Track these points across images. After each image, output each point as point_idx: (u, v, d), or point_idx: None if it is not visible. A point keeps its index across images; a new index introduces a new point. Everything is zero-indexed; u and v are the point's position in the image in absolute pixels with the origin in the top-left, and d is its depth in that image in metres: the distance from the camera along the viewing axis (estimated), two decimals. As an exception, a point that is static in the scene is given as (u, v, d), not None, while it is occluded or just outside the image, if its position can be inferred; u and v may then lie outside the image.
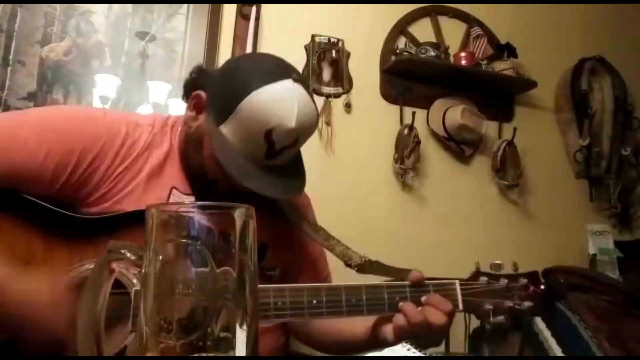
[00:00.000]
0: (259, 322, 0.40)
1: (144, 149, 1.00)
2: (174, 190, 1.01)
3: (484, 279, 0.93)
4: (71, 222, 0.90)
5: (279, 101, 0.92)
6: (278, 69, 0.96)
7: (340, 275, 1.17)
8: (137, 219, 0.76)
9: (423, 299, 0.88)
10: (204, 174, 1.00)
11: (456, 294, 0.90)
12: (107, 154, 0.96)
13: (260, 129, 0.91)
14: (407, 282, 0.90)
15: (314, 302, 0.85)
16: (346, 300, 0.87)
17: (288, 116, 0.92)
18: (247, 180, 0.93)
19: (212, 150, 0.95)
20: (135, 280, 0.70)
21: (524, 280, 0.93)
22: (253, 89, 0.92)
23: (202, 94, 1.00)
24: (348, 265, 1.05)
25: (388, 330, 0.89)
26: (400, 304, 0.87)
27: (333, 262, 1.14)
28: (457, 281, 0.92)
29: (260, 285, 0.86)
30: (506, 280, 0.92)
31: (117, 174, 0.96)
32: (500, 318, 0.90)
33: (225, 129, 0.95)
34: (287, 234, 1.11)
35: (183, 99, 1.08)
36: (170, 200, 0.99)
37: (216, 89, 0.99)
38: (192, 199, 1.02)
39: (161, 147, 1.02)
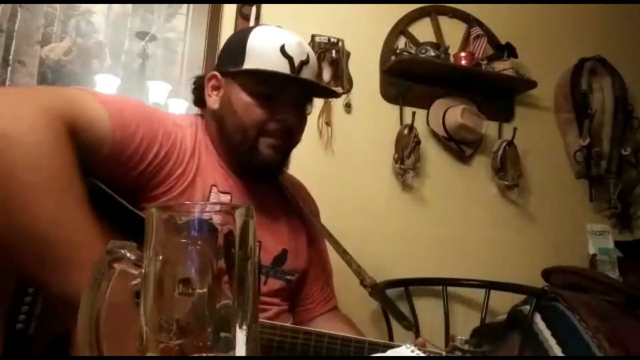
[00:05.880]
0: (258, 322, 0.40)
1: (192, 151, 1.02)
2: (213, 188, 1.03)
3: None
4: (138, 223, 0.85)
5: (277, 29, 1.08)
6: None
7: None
8: None
9: None
10: (245, 136, 1.04)
11: None
12: (173, 152, 0.98)
13: (275, 48, 1.03)
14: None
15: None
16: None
17: (291, 35, 1.07)
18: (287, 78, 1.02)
19: (242, 100, 1.03)
20: None
21: None
22: (253, 29, 1.09)
23: (214, 72, 1.09)
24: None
25: None
26: None
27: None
28: None
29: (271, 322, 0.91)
30: None
31: (176, 176, 0.98)
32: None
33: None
34: (306, 240, 1.18)
35: (195, 104, 1.16)
36: (211, 198, 1.02)
37: (222, 53, 1.16)
38: (228, 197, 1.04)
39: (201, 146, 1.05)
